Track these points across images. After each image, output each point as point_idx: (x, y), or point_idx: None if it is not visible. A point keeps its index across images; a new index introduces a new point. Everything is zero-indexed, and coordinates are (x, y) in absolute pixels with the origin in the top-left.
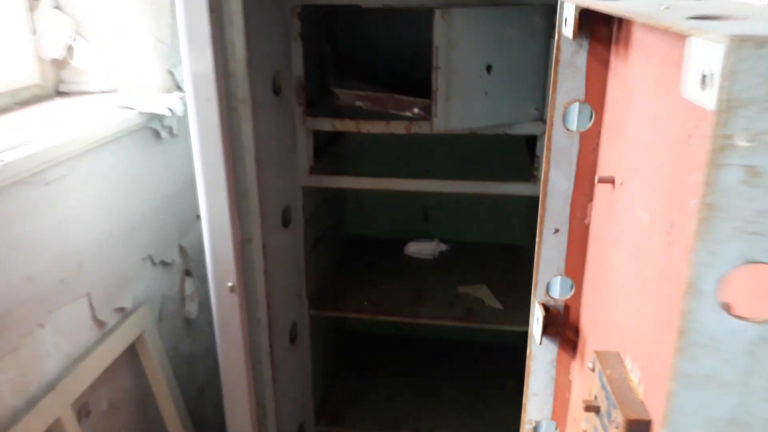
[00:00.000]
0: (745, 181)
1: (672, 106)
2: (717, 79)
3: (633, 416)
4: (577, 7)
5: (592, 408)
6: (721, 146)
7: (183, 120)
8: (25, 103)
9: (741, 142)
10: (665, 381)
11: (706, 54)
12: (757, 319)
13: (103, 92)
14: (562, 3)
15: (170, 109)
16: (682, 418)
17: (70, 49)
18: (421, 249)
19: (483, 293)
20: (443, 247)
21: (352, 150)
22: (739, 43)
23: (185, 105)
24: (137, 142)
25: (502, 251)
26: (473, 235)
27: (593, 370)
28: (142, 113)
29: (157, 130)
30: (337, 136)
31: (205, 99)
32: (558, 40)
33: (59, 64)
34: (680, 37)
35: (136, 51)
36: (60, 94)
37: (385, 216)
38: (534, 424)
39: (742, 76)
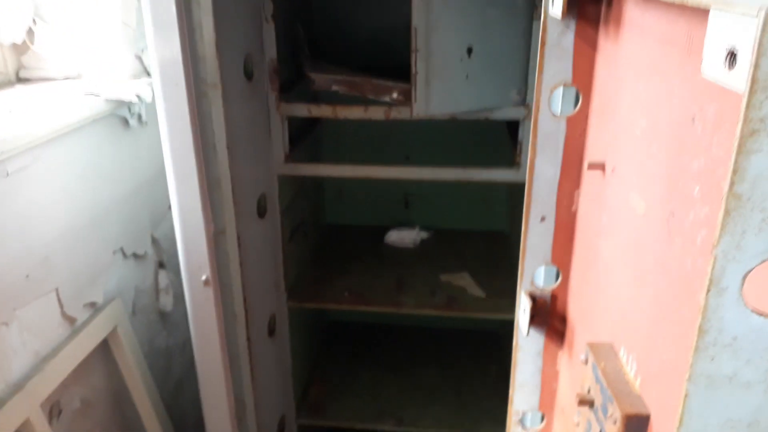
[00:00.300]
0: None
1: (671, 88)
2: (748, 56)
3: (631, 411)
4: None
5: (585, 402)
6: (753, 130)
7: (152, 107)
8: None
9: None
10: (671, 378)
11: (732, 29)
12: None
13: (67, 78)
14: None
15: (138, 96)
16: (697, 421)
17: (30, 32)
18: (402, 237)
19: (465, 281)
20: (424, 235)
21: (330, 137)
22: None
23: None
24: (104, 130)
25: (484, 238)
26: (455, 222)
27: (586, 362)
28: (108, 100)
29: (125, 117)
30: (313, 122)
31: (173, 84)
32: (544, 21)
33: (19, 49)
34: (682, 13)
35: (101, 35)
36: (21, 80)
37: (364, 204)
38: (520, 415)
39: None
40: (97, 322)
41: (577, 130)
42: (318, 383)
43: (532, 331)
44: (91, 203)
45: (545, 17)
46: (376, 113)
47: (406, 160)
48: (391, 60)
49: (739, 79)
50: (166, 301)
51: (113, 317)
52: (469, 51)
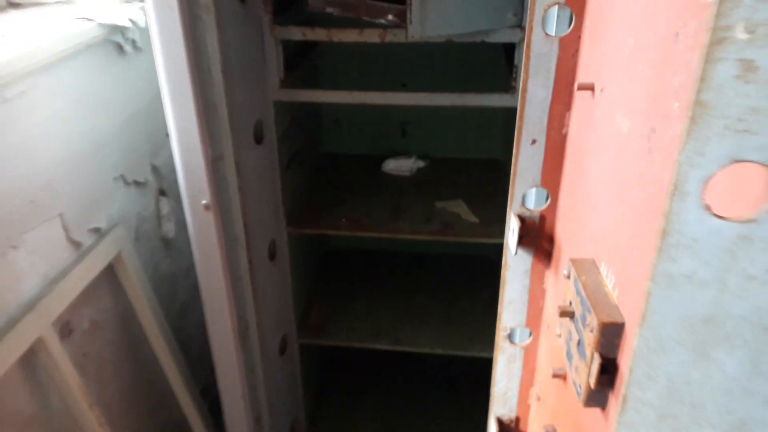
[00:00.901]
0: (740, 76)
1: (659, 5)
2: None
3: (607, 319)
4: None
5: (566, 313)
6: (719, 39)
7: (147, 33)
8: None
9: (740, 33)
10: (640, 283)
11: None
12: (738, 219)
13: (59, 2)
14: None
15: (131, 20)
16: (658, 318)
17: None
18: (398, 166)
19: (459, 208)
20: (421, 163)
21: (327, 64)
22: None
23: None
24: (99, 56)
25: (479, 166)
26: (451, 150)
27: (568, 277)
28: (101, 25)
29: (119, 43)
30: (309, 47)
31: (166, 7)
32: None
33: None
34: None
35: None
36: (12, 5)
37: (362, 133)
38: (509, 331)
39: None
40: (102, 247)
41: (569, 50)
42: (317, 306)
43: (521, 251)
44: (90, 130)
45: None
46: (371, 36)
47: (403, 88)
48: None
49: None
50: (168, 228)
51: (117, 242)
52: None
